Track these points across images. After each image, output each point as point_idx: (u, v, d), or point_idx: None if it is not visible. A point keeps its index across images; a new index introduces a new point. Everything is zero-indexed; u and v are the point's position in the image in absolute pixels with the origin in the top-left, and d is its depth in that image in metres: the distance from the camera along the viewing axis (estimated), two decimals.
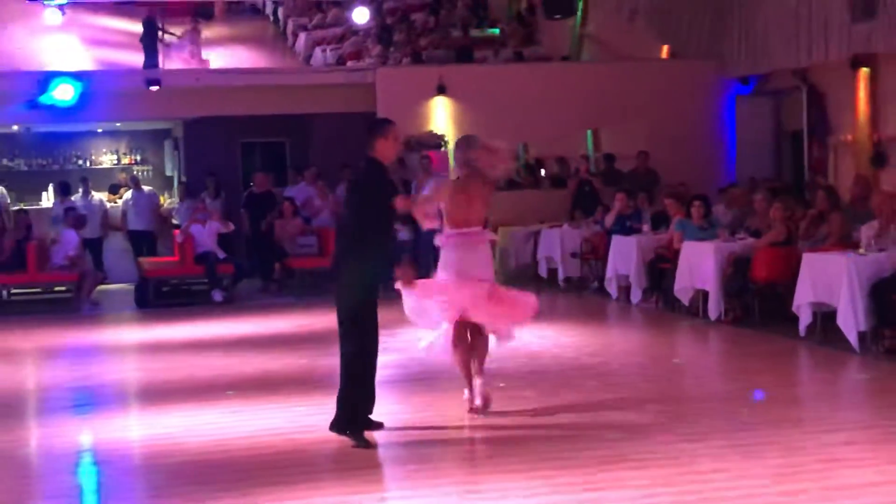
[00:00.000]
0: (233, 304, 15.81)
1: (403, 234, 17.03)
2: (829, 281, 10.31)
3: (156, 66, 19.33)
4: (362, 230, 7.28)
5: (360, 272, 7.25)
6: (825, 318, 10.63)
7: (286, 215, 17.02)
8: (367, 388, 7.51)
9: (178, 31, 21.99)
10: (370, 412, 7.56)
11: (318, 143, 19.75)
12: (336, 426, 7.41)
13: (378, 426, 7.58)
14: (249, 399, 8.95)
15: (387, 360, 10.72)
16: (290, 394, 9.15)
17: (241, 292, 16.78)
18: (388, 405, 8.60)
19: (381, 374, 10.06)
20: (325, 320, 13.65)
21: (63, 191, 18.25)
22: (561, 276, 16.24)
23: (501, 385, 8.79)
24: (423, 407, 8.51)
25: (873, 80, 16.00)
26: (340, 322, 7.46)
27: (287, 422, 8.10)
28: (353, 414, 7.38)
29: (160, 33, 20.63)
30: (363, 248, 7.26)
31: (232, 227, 16.93)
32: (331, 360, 10.70)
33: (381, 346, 10.92)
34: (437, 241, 8.19)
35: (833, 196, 12.31)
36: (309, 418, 8.16)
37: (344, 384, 7.44)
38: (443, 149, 18.32)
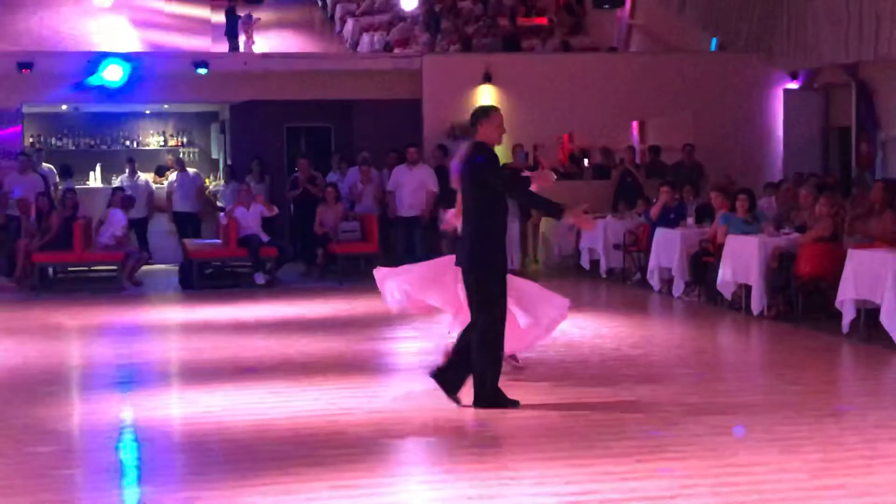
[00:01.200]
0: (275, 288, 15.93)
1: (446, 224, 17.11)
2: (874, 278, 10.25)
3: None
4: (480, 208, 7.71)
5: (484, 247, 7.67)
6: (869, 315, 10.57)
7: (329, 201, 17.09)
8: (500, 355, 7.87)
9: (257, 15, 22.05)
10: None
11: (362, 128, 19.82)
12: (482, 400, 7.73)
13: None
14: (290, 381, 9.03)
15: (424, 347, 10.84)
16: (330, 376, 9.21)
17: (284, 276, 16.90)
18: (429, 391, 8.66)
19: (418, 360, 10.25)
20: (365, 304, 13.82)
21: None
22: (603, 267, 16.23)
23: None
24: (461, 393, 8.52)
25: None
26: (471, 296, 7.78)
27: (327, 403, 8.16)
28: (494, 382, 7.74)
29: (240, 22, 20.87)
30: (485, 224, 7.69)
31: (276, 210, 17.05)
32: (370, 345, 10.90)
33: (418, 333, 11.09)
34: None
35: (891, 190, 12.18)
36: (348, 400, 8.23)
37: (481, 355, 7.72)
38: None
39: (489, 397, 7.77)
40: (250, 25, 21.08)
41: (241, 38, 20.94)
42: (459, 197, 8.27)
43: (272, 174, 19.25)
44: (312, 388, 8.76)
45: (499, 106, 18.16)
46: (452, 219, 8.63)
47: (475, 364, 7.81)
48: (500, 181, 7.75)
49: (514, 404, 7.80)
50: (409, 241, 17.18)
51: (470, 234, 7.82)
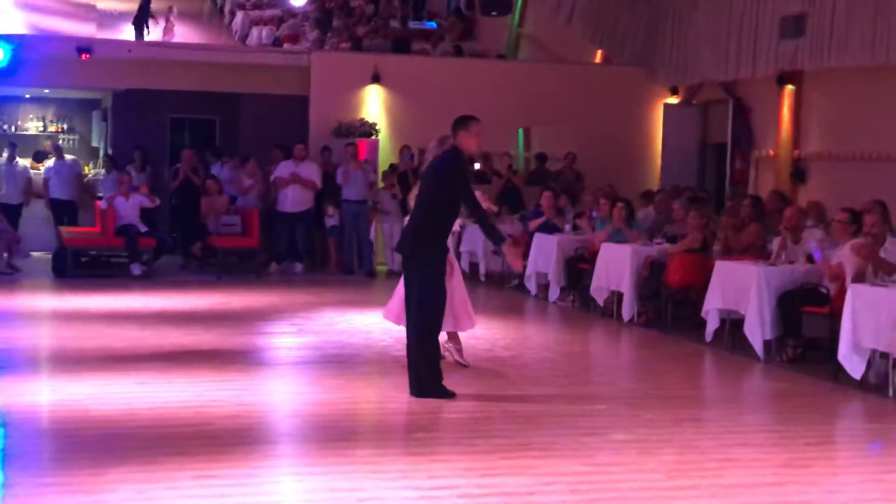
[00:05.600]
0: (151, 279, 15.76)
1: (332, 220, 17.13)
2: (739, 289, 10.57)
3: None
4: (436, 211, 8.18)
5: (429, 247, 8.15)
6: (733, 325, 10.90)
7: (211, 193, 16.96)
8: (437, 346, 8.41)
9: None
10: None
11: (249, 122, 19.66)
12: (423, 390, 8.14)
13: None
14: (159, 372, 8.96)
15: (302, 342, 10.86)
16: (201, 369, 9.18)
17: (162, 268, 16.74)
18: (302, 386, 8.71)
19: (293, 355, 10.26)
20: (242, 299, 13.75)
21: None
22: (482, 271, 16.41)
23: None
24: (335, 389, 8.59)
25: (798, 97, 16.38)
26: (411, 289, 8.24)
27: (195, 395, 8.13)
28: (437, 369, 8.21)
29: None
30: (434, 225, 8.19)
31: (157, 201, 16.87)
32: (245, 339, 10.86)
33: (296, 328, 11.21)
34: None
35: (758, 206, 12.59)
36: (217, 393, 8.22)
37: (421, 342, 8.16)
38: (373, 137, 18.40)
39: (430, 389, 8.13)
40: (168, 18, 20.88)
41: (160, 27, 20.72)
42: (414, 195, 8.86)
43: (154, 165, 18.99)
44: (181, 379, 8.72)
45: (386, 106, 18.54)
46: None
47: (415, 356, 8.18)
48: (468, 197, 8.21)
49: (451, 395, 8.17)
50: (292, 238, 17.15)
51: (418, 220, 8.26)
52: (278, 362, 10.17)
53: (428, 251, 8.19)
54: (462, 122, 8.35)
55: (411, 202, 9.19)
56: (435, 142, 9.24)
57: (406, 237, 8.36)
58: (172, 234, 17.94)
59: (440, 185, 8.20)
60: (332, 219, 17.25)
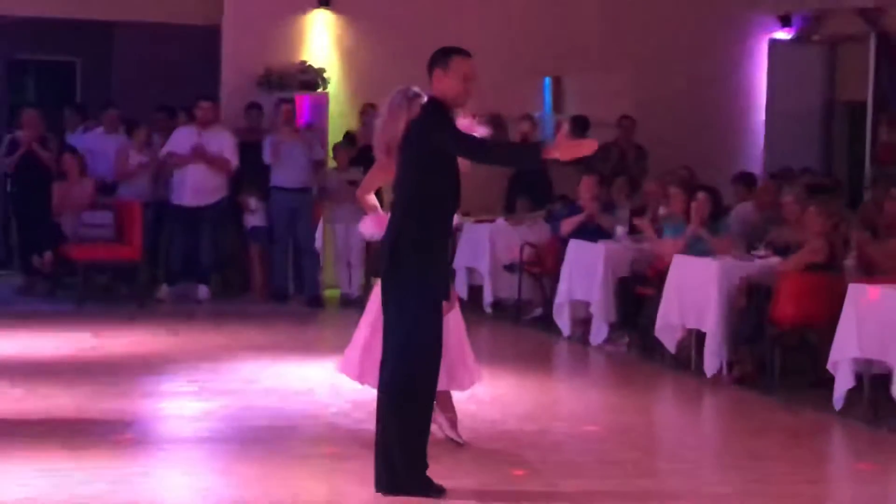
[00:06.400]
0: None
1: (255, 219, 17.10)
2: (886, 330, 10.56)
3: None
4: (421, 202, 8.13)
5: (416, 259, 8.09)
6: (877, 384, 10.90)
7: (70, 176, 16.88)
8: (428, 419, 8.30)
9: None
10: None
11: (127, 67, 19.66)
12: (397, 484, 8.12)
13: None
14: None
15: (208, 409, 10.82)
16: (55, 451, 9.18)
17: None
18: (209, 478, 8.71)
19: (198, 428, 10.22)
20: (116, 342, 13.75)
21: None
22: (488, 297, 16.36)
23: None
24: (259, 482, 8.59)
25: None
26: (389, 327, 8.18)
27: (46, 494, 8.11)
28: (421, 453, 8.16)
29: None
30: (423, 225, 8.13)
31: None
32: (121, 405, 10.83)
33: (198, 387, 11.23)
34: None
35: None
36: (81, 489, 8.23)
37: (401, 410, 8.08)
38: (319, 90, 18.36)
39: (408, 482, 8.12)
40: None
41: None
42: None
43: None
44: (26, 467, 8.68)
45: (338, 42, 18.50)
46: (371, 225, 9.14)
47: (389, 432, 8.09)
48: (463, 145, 8.13)
49: (438, 492, 8.16)
50: (192, 246, 17.09)
51: (398, 220, 8.22)
52: (172, 440, 10.09)
53: (415, 267, 8.12)
54: (438, 57, 8.35)
55: (371, 199, 9.28)
56: (397, 98, 9.28)
57: (383, 247, 8.32)
58: (5, 239, 17.90)
59: (423, 161, 8.16)
60: (254, 216, 17.20)
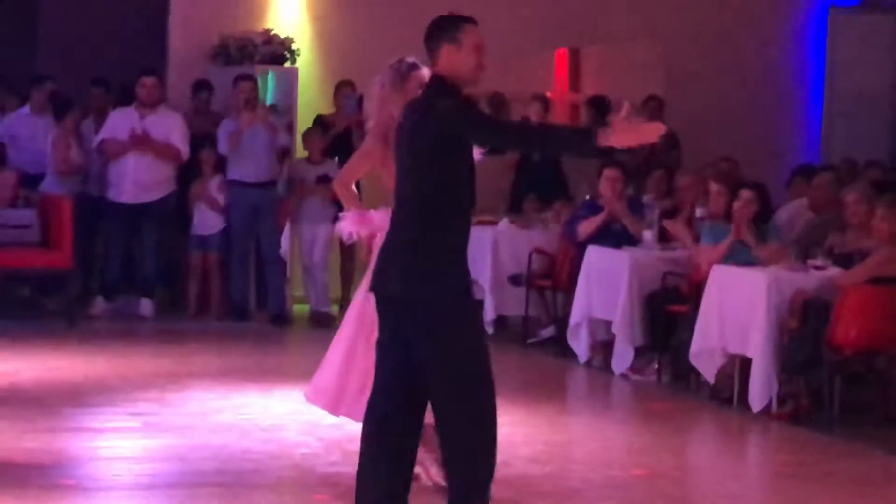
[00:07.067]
0: None
1: (211, 219, 17.10)
2: None
3: None
4: (443, 205, 8.03)
5: (456, 278, 8.01)
6: None
7: None
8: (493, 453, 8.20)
9: None
10: None
11: (54, 35, 19.67)
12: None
13: None
14: None
15: (153, 448, 10.78)
16: None
17: None
18: None
19: (141, 472, 10.17)
20: (40, 368, 13.74)
21: None
22: (490, 314, 16.37)
23: None
24: None
25: None
26: (435, 371, 7.99)
27: None
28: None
29: None
30: (453, 235, 8.07)
31: None
32: (47, 443, 10.82)
33: (141, 421, 11.22)
34: None
35: None
36: None
37: (477, 458, 8.07)
38: (286, 65, 18.34)
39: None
40: None
41: None
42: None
43: None
44: None
45: (309, 7, 18.52)
46: (351, 223, 9.21)
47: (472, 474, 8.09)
48: (495, 132, 8.25)
49: None
50: (130, 251, 17.05)
51: (412, 239, 8.08)
52: (108, 486, 10.03)
53: (457, 287, 8.03)
54: (444, 28, 8.21)
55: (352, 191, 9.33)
56: (389, 76, 9.28)
57: (392, 267, 8.12)
58: None
59: (437, 154, 8.03)
60: (210, 216, 17.17)
